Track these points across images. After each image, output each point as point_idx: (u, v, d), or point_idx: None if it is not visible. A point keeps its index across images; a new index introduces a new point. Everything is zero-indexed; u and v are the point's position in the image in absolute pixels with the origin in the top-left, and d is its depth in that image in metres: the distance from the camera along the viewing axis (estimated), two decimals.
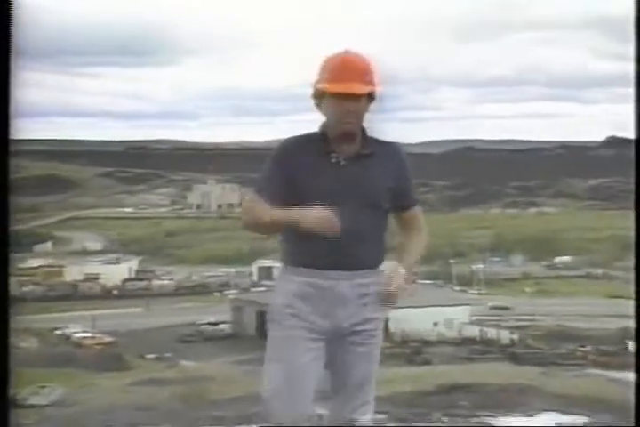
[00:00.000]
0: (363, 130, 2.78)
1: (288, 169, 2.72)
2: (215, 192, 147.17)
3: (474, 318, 52.10)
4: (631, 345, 42.65)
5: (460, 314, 51.21)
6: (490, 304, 61.76)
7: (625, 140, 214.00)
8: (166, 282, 75.85)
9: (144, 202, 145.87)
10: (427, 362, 39.45)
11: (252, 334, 46.45)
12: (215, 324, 50.98)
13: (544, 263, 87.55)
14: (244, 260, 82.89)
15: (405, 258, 2.84)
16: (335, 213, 2.57)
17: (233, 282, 73.85)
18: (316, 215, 2.58)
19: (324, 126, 2.78)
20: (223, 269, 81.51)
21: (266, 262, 78.19)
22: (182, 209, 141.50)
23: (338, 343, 2.74)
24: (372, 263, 2.78)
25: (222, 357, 28.61)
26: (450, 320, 49.87)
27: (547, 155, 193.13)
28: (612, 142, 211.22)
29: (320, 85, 2.73)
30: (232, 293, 64.22)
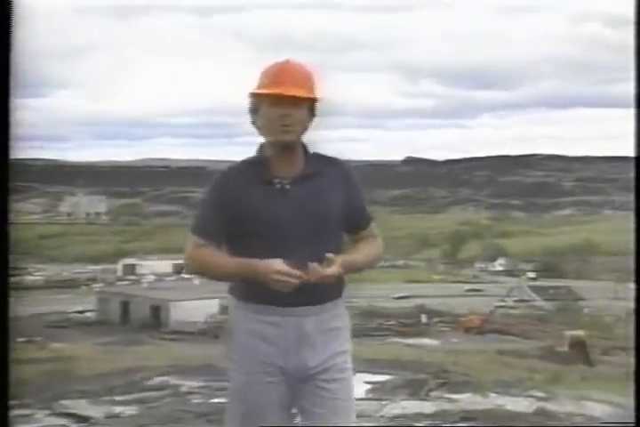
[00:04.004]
0: (304, 148, 2.14)
1: (228, 204, 2.05)
2: (83, 202, 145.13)
3: None
4: (424, 318, 44.67)
5: None
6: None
7: (418, 160, 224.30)
8: (38, 278, 72.01)
9: (19, 210, 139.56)
10: None
11: (115, 321, 44.93)
12: (82, 312, 48.77)
13: None
14: (109, 259, 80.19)
15: (351, 254, 2.14)
16: (293, 263, 1.97)
17: (100, 277, 70.89)
18: (275, 270, 1.96)
19: (262, 149, 2.12)
20: (91, 267, 78.38)
21: (129, 261, 76.01)
22: (55, 216, 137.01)
23: (306, 384, 2.12)
24: (335, 294, 2.14)
25: (88, 340, 27.42)
26: None
27: (359, 171, 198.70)
28: (409, 161, 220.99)
29: (256, 92, 2.08)
30: (98, 286, 61.59)
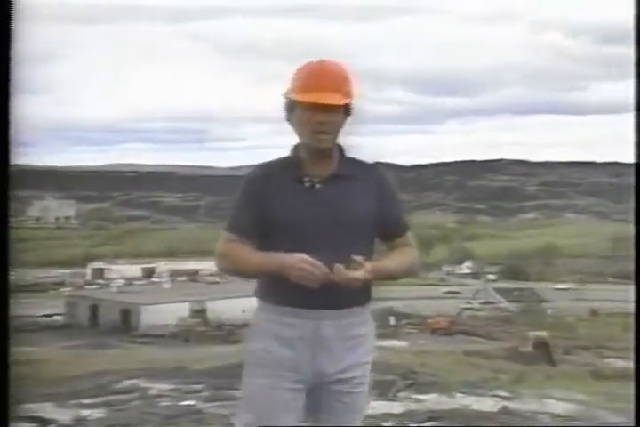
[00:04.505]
0: (340, 149, 2.09)
1: (259, 201, 2.02)
2: (53, 207, 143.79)
3: None
4: (392, 320, 44.89)
5: None
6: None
7: (385, 165, 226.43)
8: None
9: None
10: (238, 342, 39.57)
11: (84, 324, 44.44)
12: (50, 315, 48.08)
13: None
14: (78, 263, 79.14)
15: (382, 260, 2.07)
16: (320, 260, 1.90)
17: (68, 281, 69.94)
18: (299, 264, 1.90)
19: (296, 149, 2.07)
20: (60, 271, 77.24)
21: (98, 265, 75.13)
22: (25, 220, 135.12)
23: (321, 392, 2.06)
24: (360, 300, 2.06)
25: (57, 343, 26.97)
26: (254, 308, 50.54)
27: None
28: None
29: (290, 95, 2.00)
30: (67, 290, 60.75)
